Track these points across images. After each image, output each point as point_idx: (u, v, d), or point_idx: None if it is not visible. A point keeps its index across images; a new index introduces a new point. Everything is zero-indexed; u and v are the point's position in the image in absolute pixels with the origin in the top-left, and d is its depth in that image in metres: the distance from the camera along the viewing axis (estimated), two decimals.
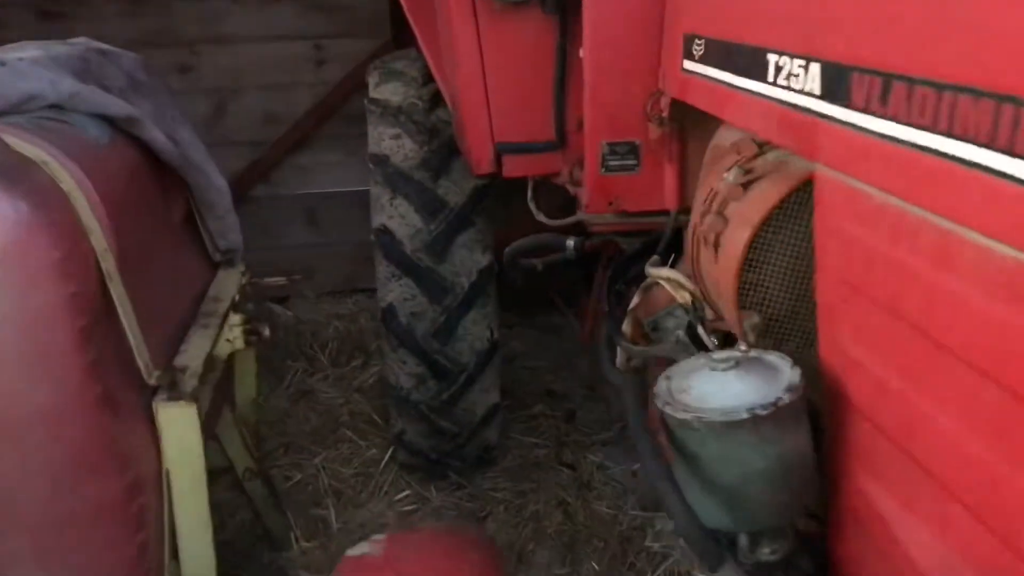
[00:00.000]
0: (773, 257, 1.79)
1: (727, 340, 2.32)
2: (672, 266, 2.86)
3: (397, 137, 3.64)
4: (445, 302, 3.61)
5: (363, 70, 4.25)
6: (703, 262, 2.05)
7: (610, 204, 2.60)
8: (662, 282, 2.43)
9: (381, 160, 3.65)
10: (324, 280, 5.58)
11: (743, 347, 1.66)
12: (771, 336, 1.83)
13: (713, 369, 1.62)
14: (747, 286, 1.81)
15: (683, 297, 2.37)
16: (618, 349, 2.62)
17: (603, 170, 2.57)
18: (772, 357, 1.66)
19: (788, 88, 1.72)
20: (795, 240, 1.78)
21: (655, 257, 2.58)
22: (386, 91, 3.76)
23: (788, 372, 1.60)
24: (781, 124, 1.77)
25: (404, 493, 3.99)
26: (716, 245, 1.93)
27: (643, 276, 3.00)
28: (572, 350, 5.18)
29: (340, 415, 4.54)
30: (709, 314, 2.19)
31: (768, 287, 1.80)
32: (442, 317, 3.62)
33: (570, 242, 2.92)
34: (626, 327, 2.64)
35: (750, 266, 1.80)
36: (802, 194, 1.75)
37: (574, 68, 2.81)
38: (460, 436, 3.85)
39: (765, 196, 1.80)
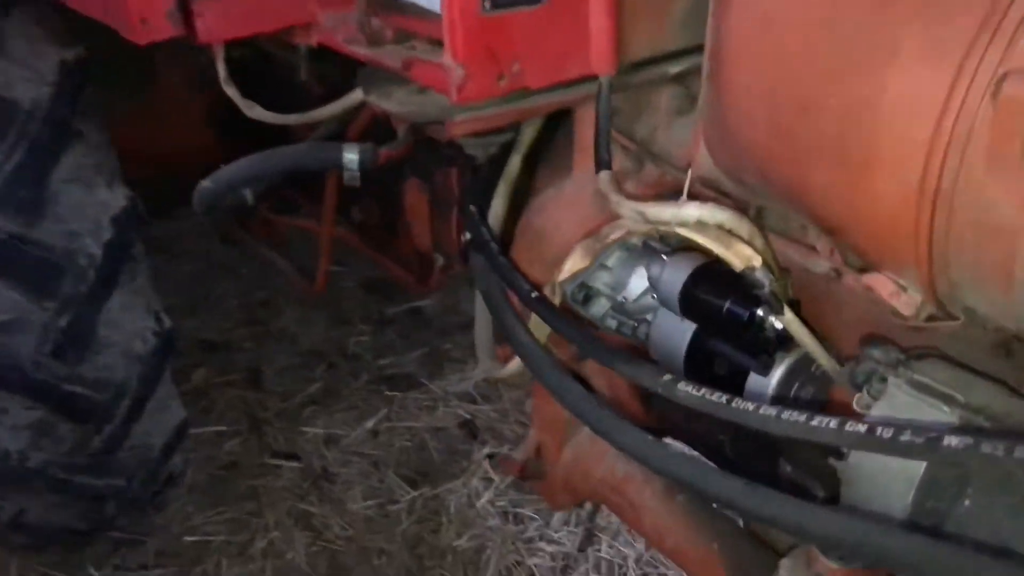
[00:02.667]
0: None
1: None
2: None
3: None
4: (62, 290, 1.87)
5: None
6: (966, 211, 0.81)
7: (501, 78, 1.19)
8: (684, 232, 1.15)
9: None
10: None
11: None
12: None
13: None
14: None
15: (743, 259, 1.12)
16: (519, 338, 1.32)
17: (487, 6, 1.13)
18: None
19: None
20: None
21: (605, 174, 1.26)
22: None
23: None
24: None
25: None
26: None
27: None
28: (203, 272, 3.54)
29: None
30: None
31: None
32: (61, 318, 1.88)
33: (351, 155, 1.45)
34: (548, 290, 1.34)
35: None
36: None
37: None
38: (129, 488, 2.22)
39: None
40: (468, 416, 2.91)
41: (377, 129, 1.77)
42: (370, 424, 2.88)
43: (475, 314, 1.67)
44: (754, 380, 1.26)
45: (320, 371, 3.09)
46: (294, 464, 2.73)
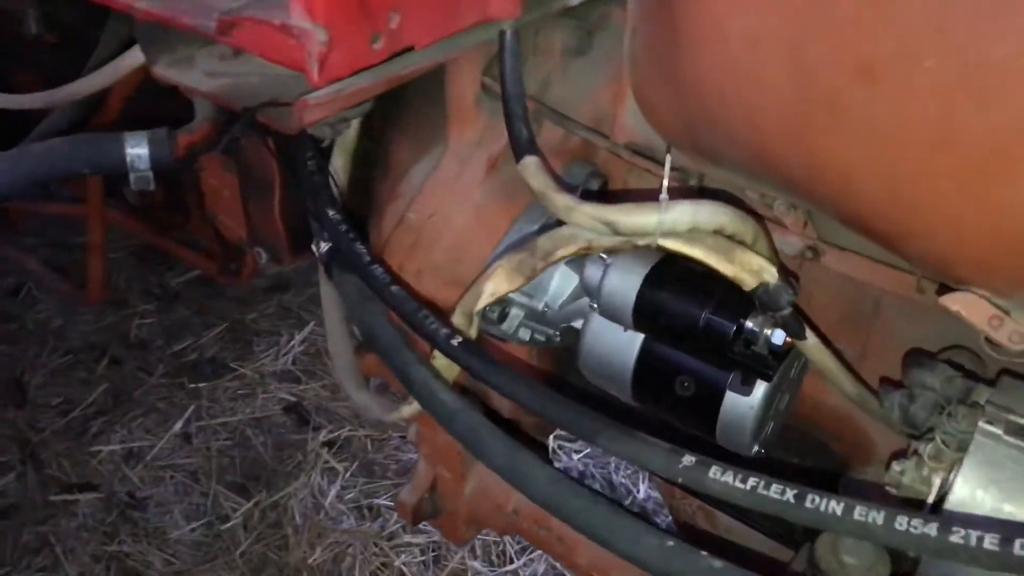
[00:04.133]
0: None
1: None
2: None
3: None
4: None
5: None
6: None
7: (375, 39, 0.78)
8: (672, 244, 0.82)
9: None
10: None
11: None
12: None
13: None
14: None
15: (753, 273, 0.81)
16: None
17: None
18: None
19: None
20: None
21: (532, 162, 0.89)
22: None
23: None
24: None
25: None
26: None
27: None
28: None
29: None
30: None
31: None
32: None
33: (138, 149, 0.99)
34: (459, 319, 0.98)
35: None
36: None
37: None
38: None
39: None
40: (293, 399, 2.49)
41: (146, 99, 1.28)
42: (178, 427, 2.40)
43: (327, 329, 1.27)
44: (731, 400, 0.98)
45: (101, 370, 2.53)
46: (90, 495, 2.22)
